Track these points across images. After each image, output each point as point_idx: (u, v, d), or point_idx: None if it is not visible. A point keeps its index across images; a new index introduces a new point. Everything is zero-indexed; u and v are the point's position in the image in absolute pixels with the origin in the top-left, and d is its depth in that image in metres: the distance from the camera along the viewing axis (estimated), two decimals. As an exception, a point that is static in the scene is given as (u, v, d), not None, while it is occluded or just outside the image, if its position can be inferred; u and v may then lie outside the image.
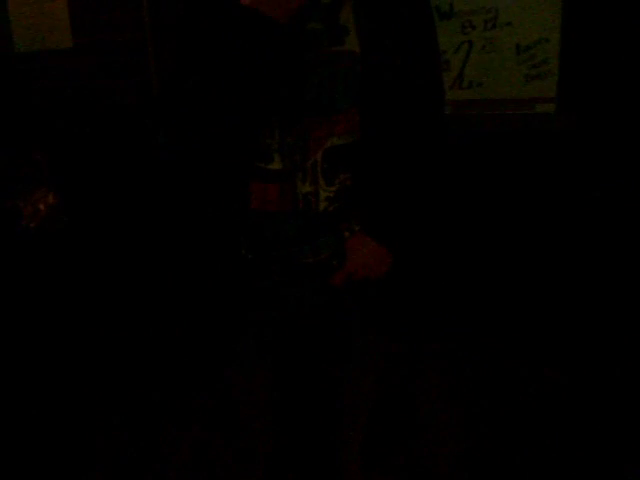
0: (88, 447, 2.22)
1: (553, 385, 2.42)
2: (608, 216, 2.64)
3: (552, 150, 2.67)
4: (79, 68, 2.53)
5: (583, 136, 2.64)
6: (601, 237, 2.67)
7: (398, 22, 1.41)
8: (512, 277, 2.77)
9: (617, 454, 2.05)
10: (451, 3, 2.73)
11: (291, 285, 1.55)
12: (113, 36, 2.52)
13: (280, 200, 1.46)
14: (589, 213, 2.66)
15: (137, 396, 2.48)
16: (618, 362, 2.47)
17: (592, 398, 2.32)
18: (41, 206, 1.81)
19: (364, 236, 1.50)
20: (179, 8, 1.49)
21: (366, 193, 1.48)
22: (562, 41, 2.63)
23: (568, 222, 2.69)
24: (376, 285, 1.56)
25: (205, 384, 2.47)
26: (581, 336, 2.61)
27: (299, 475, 1.92)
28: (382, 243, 1.51)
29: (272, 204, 1.46)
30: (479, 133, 2.72)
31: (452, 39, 2.74)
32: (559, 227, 2.71)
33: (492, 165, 2.72)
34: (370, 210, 1.50)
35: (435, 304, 2.80)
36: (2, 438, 2.06)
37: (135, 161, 2.41)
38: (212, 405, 2.36)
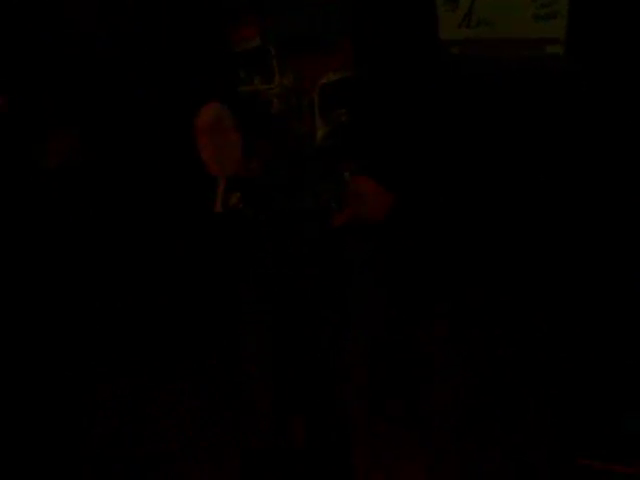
0: (91, 399, 2.24)
1: (558, 338, 2.44)
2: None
3: (560, 92, 2.64)
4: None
5: (591, 79, 2.61)
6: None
7: None
8: (516, 228, 2.77)
9: (617, 401, 2.09)
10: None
11: (293, 232, 1.55)
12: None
13: (275, 143, 1.45)
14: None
15: (140, 351, 2.50)
16: (622, 309, 2.49)
17: (596, 347, 2.35)
18: (62, 147, 1.80)
19: (365, 177, 1.49)
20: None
21: (364, 130, 1.46)
22: (572, -20, 2.56)
23: (575, 169, 2.68)
24: (377, 229, 1.55)
25: (206, 339, 2.49)
26: (589, 290, 2.61)
27: (305, 427, 1.95)
28: (382, 183, 1.49)
29: (267, 148, 1.45)
30: (487, 73, 2.68)
31: (460, -24, 2.68)
32: (566, 173, 2.70)
33: (498, 106, 2.69)
34: (369, 149, 1.48)
35: (437, 250, 2.80)
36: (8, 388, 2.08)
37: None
38: (214, 361, 2.38)
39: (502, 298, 2.64)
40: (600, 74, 2.58)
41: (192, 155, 1.47)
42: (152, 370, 2.43)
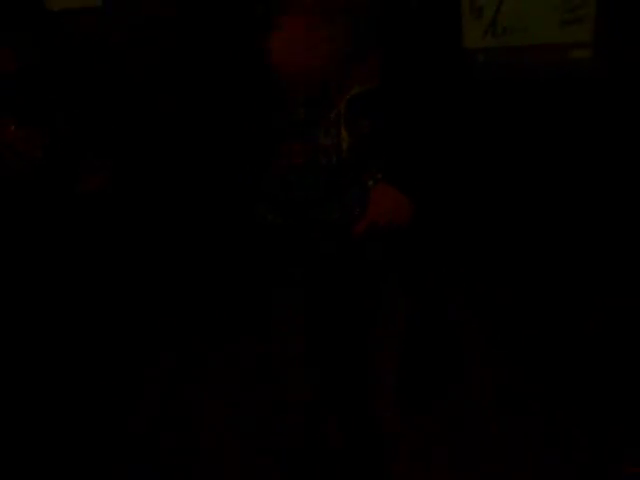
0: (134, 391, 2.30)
1: (604, 334, 2.40)
2: None
3: (587, 98, 2.62)
4: (110, 26, 2.53)
5: (618, 83, 2.58)
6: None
7: None
8: (540, 228, 2.75)
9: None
10: (483, -53, 2.66)
11: (320, 241, 1.57)
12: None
13: (303, 155, 1.49)
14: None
15: (178, 347, 2.55)
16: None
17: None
18: (102, 170, 1.84)
19: (386, 185, 1.50)
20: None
21: (387, 140, 1.48)
22: (599, -17, 2.55)
23: (602, 172, 2.66)
24: (398, 234, 1.56)
25: (241, 340, 2.52)
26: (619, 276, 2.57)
27: (337, 423, 1.97)
28: (404, 191, 1.50)
29: (295, 160, 1.49)
30: (512, 80, 2.67)
31: (485, -15, 2.68)
32: (592, 176, 2.68)
33: (525, 113, 2.67)
34: (391, 157, 1.49)
35: (460, 252, 2.79)
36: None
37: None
38: (247, 358, 2.41)
39: (538, 293, 2.62)
40: (627, 78, 2.55)
41: (224, 167, 1.51)
42: (187, 365, 2.47)
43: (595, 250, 2.68)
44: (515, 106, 2.65)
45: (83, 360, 2.22)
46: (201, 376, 2.41)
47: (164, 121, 2.59)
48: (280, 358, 1.85)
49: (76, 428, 2.10)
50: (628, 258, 2.62)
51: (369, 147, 1.49)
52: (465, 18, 2.64)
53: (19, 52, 1.73)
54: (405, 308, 1.81)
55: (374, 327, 1.80)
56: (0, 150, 1.57)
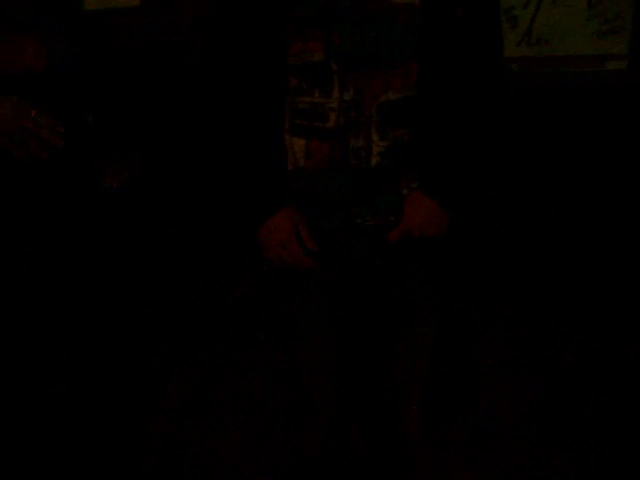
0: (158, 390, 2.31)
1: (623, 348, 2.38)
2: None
3: (623, 108, 2.61)
4: (147, 26, 2.55)
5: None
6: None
7: None
8: (577, 243, 2.73)
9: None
10: (522, -43, 2.66)
11: (351, 247, 1.56)
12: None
13: (331, 157, 1.45)
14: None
15: (207, 351, 2.56)
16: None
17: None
18: (124, 169, 1.85)
19: (422, 194, 1.50)
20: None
21: (424, 149, 1.46)
22: (636, -5, 2.54)
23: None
24: (433, 245, 1.55)
25: (269, 344, 2.52)
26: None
27: (362, 432, 1.95)
28: (440, 202, 1.49)
29: (323, 161, 1.46)
30: (547, 90, 2.67)
31: (521, -6, 2.68)
32: (630, 189, 2.66)
33: (560, 124, 2.67)
34: (428, 167, 1.49)
35: (495, 266, 2.79)
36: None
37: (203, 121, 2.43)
38: (275, 359, 2.41)
39: (557, 305, 2.60)
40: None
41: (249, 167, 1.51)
42: (216, 369, 2.48)
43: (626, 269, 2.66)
44: (548, 115, 2.64)
45: (104, 363, 2.24)
46: (227, 383, 2.41)
47: (195, 124, 2.60)
48: (307, 365, 1.84)
49: (91, 438, 2.10)
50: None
51: (405, 155, 1.49)
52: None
53: (51, 50, 1.73)
54: (434, 322, 1.80)
55: (402, 338, 1.79)
56: (19, 134, 1.57)
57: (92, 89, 1.81)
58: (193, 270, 2.95)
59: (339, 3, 1.37)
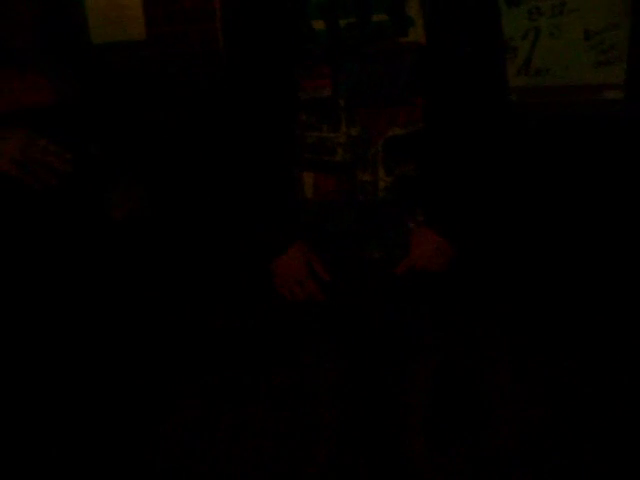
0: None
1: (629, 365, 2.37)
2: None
3: (620, 138, 2.64)
4: (153, 59, 2.59)
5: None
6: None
7: (464, 12, 1.41)
8: (578, 269, 2.75)
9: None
10: (519, -10, 2.72)
11: (358, 278, 1.58)
12: (185, 27, 2.58)
13: (338, 191, 1.48)
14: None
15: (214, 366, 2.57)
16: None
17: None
18: (129, 200, 1.87)
19: (428, 229, 1.52)
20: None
21: (430, 184, 1.49)
22: (632, 27, 2.59)
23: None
24: (438, 277, 1.57)
25: (277, 364, 2.53)
26: None
27: (366, 457, 1.95)
28: (445, 236, 1.52)
29: (330, 194, 1.49)
30: (546, 120, 2.70)
31: (519, 26, 2.72)
32: (626, 217, 2.68)
33: (558, 153, 2.70)
34: (434, 202, 1.50)
35: (499, 294, 2.80)
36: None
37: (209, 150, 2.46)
38: (282, 384, 2.42)
39: (569, 326, 2.60)
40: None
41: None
42: (218, 394, 2.48)
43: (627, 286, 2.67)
44: (547, 144, 2.67)
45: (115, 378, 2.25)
46: (234, 406, 2.41)
47: (198, 154, 2.63)
48: (311, 386, 1.85)
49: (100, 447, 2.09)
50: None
51: (411, 189, 1.50)
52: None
53: (58, 86, 1.76)
54: (438, 345, 1.82)
55: (407, 362, 1.80)
56: (30, 163, 1.60)
57: (97, 119, 1.84)
58: (212, 297, 3.00)
59: (347, 41, 1.41)
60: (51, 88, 1.67)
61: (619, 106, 2.65)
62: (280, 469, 2.09)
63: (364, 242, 1.53)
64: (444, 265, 1.54)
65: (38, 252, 1.69)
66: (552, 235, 2.79)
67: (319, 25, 1.40)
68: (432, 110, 1.44)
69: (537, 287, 2.85)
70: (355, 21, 1.39)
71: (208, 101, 2.50)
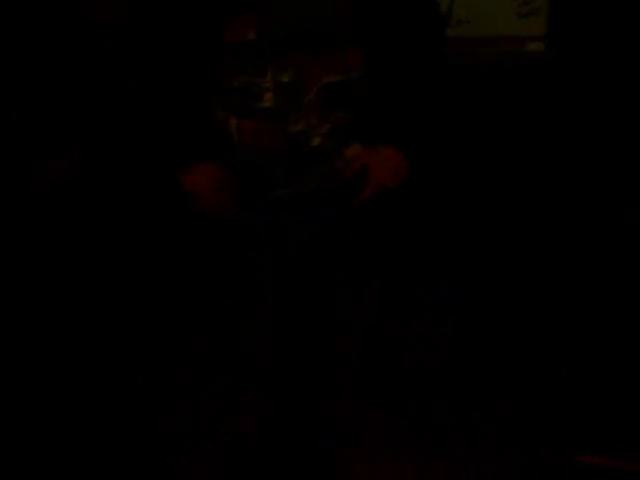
0: None
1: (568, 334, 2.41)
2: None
3: (542, 89, 2.65)
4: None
5: (572, 75, 2.63)
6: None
7: None
8: (501, 222, 2.76)
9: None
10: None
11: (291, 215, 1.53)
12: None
13: (271, 138, 1.43)
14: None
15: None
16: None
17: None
18: (57, 172, 1.77)
19: (383, 146, 1.47)
20: None
21: (365, 132, 1.47)
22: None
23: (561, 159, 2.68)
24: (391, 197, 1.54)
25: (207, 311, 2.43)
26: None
27: (296, 395, 1.91)
28: (402, 149, 1.49)
29: (258, 140, 1.44)
30: (468, 71, 2.67)
31: (441, -26, 2.66)
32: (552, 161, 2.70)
33: (481, 104, 2.68)
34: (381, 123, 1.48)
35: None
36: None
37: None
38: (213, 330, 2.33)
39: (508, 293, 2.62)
40: (580, 69, 2.60)
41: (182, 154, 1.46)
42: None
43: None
44: (472, 96, 2.65)
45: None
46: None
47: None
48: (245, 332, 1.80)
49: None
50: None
51: (346, 138, 1.47)
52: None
53: None
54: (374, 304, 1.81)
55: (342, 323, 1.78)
56: None
57: (14, 82, 1.74)
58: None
59: None
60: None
61: (541, 58, 2.66)
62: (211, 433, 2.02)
63: (294, 183, 1.49)
64: (398, 180, 1.51)
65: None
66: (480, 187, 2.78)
67: None
68: (369, 58, 1.41)
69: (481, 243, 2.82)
70: None
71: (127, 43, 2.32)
